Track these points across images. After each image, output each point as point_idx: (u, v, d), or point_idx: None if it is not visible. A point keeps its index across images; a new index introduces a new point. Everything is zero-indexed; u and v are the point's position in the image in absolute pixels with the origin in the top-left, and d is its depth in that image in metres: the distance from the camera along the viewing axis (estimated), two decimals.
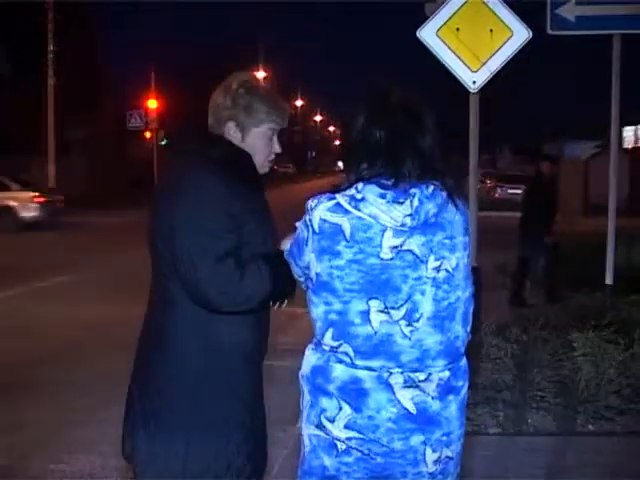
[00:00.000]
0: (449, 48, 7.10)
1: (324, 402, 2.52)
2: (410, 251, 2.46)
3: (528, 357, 6.15)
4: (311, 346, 2.61)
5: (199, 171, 2.81)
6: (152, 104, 38.43)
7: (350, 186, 2.48)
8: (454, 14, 7.09)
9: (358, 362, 2.47)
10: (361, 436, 2.48)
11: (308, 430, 2.57)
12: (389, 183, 2.45)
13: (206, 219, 2.73)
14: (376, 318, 2.46)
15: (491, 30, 7.05)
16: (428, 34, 7.15)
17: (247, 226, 2.80)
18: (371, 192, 2.44)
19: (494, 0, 6.90)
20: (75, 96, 31.00)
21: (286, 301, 2.91)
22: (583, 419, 5.64)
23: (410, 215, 2.44)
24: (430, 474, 2.53)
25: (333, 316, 2.50)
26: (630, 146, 37.44)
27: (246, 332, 2.88)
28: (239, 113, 2.90)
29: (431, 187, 2.47)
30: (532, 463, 5.01)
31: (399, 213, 2.43)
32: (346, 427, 2.48)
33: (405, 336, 2.47)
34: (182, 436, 2.84)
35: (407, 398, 2.47)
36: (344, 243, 2.46)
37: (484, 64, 7.03)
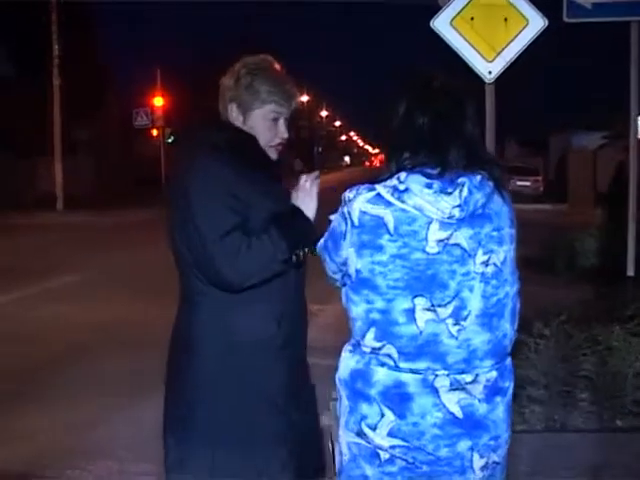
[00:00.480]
0: (464, 38, 6.97)
1: (364, 408, 2.37)
2: (457, 245, 2.31)
3: (552, 352, 6.00)
4: (348, 347, 2.46)
5: (204, 158, 2.78)
6: (158, 102, 38.37)
7: (391, 176, 2.33)
8: (468, 3, 6.95)
9: (402, 364, 2.33)
10: (405, 444, 2.33)
11: (347, 438, 2.42)
12: (434, 172, 2.30)
13: (213, 201, 2.70)
14: (422, 317, 2.31)
15: (506, 19, 6.92)
16: (442, 24, 7.02)
17: (263, 214, 2.74)
18: (416, 182, 2.29)
19: None
20: (80, 95, 30.90)
21: (306, 251, 2.77)
22: (610, 415, 5.51)
23: (459, 206, 2.29)
24: None
25: (375, 315, 2.34)
26: None
27: (271, 326, 2.79)
28: (241, 93, 2.85)
29: (478, 176, 2.33)
30: (560, 461, 4.89)
31: (447, 204, 2.28)
32: (389, 435, 2.34)
33: (452, 336, 2.32)
34: (207, 447, 2.77)
35: (453, 402, 2.33)
36: (387, 237, 2.30)
37: (499, 54, 6.89)
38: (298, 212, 2.77)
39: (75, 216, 25.21)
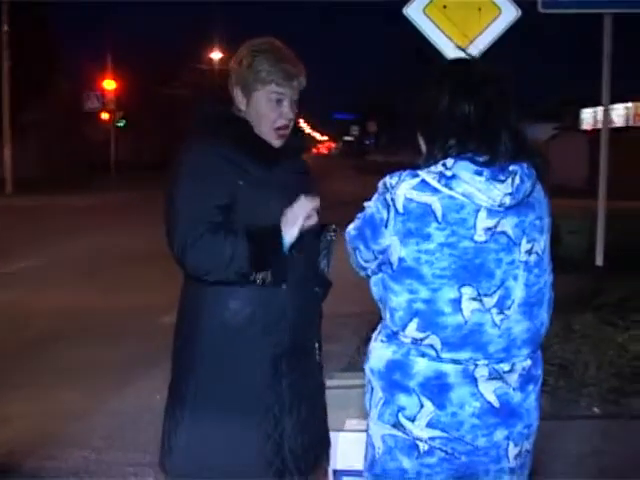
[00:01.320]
0: (436, 26, 6.95)
1: (402, 399, 2.32)
2: (504, 233, 2.29)
3: None
4: (381, 337, 2.41)
5: (195, 144, 2.79)
6: (109, 85, 37.89)
7: (435, 162, 2.27)
8: None
9: (444, 355, 2.29)
10: (445, 435, 2.30)
11: (382, 430, 2.37)
12: (482, 160, 2.25)
13: (194, 188, 2.68)
14: (468, 306, 2.27)
15: (479, 8, 6.91)
16: (414, 12, 6.98)
17: (247, 204, 2.72)
18: (465, 169, 2.24)
19: None
20: (29, 78, 30.38)
21: (265, 276, 2.68)
22: (587, 402, 5.56)
23: (510, 194, 2.26)
24: (511, 469, 2.41)
25: (419, 305, 2.29)
26: (589, 128, 37.74)
27: (249, 310, 2.75)
28: (243, 75, 2.82)
29: (525, 164, 2.31)
30: (540, 449, 4.90)
31: (499, 192, 2.24)
32: (428, 426, 2.30)
33: (495, 325, 2.30)
34: (187, 428, 2.79)
35: (490, 391, 2.32)
36: (435, 225, 2.25)
37: (472, 42, 6.87)
38: (277, 233, 2.70)
39: (24, 200, 24.77)
